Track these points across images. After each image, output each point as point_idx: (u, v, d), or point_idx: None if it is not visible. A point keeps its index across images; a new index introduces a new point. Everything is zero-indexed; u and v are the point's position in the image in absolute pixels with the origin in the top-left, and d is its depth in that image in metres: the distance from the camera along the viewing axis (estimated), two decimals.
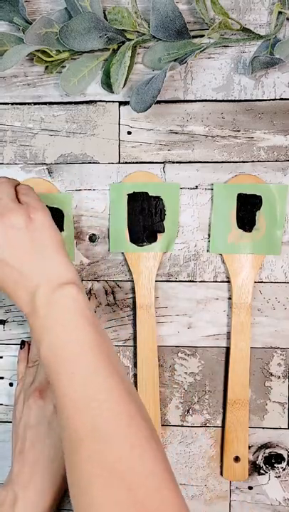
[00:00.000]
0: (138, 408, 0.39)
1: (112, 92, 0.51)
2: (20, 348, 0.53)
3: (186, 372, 0.53)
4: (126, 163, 0.53)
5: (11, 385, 0.55)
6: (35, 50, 0.49)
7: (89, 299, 0.54)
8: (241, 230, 0.51)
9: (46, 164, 0.53)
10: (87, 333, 0.40)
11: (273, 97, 0.51)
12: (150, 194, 0.52)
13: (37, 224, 0.43)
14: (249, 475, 0.53)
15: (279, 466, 0.53)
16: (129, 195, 0.52)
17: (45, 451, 0.47)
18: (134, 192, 0.52)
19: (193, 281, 0.53)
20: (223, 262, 0.52)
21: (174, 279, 0.53)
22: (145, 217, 0.52)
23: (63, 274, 0.42)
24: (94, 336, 0.40)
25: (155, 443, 0.37)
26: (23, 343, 0.53)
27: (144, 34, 0.50)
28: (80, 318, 0.40)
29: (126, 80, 0.50)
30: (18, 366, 0.53)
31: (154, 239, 0.52)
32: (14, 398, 0.52)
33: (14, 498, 0.45)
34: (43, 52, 0.50)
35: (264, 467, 0.53)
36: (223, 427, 0.53)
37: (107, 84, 0.52)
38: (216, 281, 0.53)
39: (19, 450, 0.47)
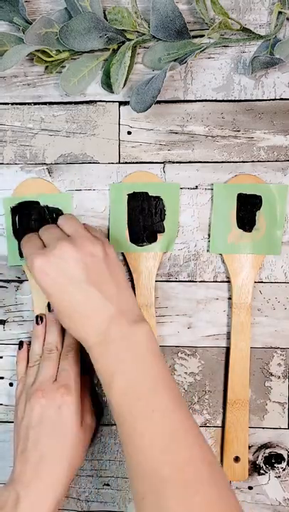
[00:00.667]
0: (210, 449, 0.41)
1: (112, 92, 0.51)
2: (19, 348, 0.53)
3: (186, 372, 0.53)
4: (126, 163, 0.53)
5: (11, 385, 0.55)
6: (35, 50, 0.49)
7: None
8: (241, 230, 0.51)
9: (46, 164, 0.53)
10: (161, 370, 0.42)
11: (273, 97, 0.51)
12: (150, 194, 0.52)
13: (111, 258, 0.45)
14: (249, 475, 0.53)
15: (279, 466, 0.53)
16: (129, 195, 0.52)
17: (48, 451, 0.46)
18: (134, 192, 0.52)
19: (193, 281, 0.53)
20: (223, 262, 0.52)
21: (174, 279, 0.53)
22: (145, 217, 0.52)
23: (136, 310, 0.45)
24: (167, 374, 0.42)
25: (231, 491, 0.39)
26: (21, 344, 0.53)
27: (144, 34, 0.50)
28: (154, 356, 0.42)
29: (126, 80, 0.50)
30: (17, 367, 0.53)
31: (154, 239, 0.52)
32: (15, 398, 0.51)
33: (16, 498, 0.44)
34: (43, 52, 0.50)
35: (264, 467, 0.53)
36: (223, 427, 0.53)
37: (107, 84, 0.52)
38: (216, 281, 0.53)
39: (21, 450, 0.47)
